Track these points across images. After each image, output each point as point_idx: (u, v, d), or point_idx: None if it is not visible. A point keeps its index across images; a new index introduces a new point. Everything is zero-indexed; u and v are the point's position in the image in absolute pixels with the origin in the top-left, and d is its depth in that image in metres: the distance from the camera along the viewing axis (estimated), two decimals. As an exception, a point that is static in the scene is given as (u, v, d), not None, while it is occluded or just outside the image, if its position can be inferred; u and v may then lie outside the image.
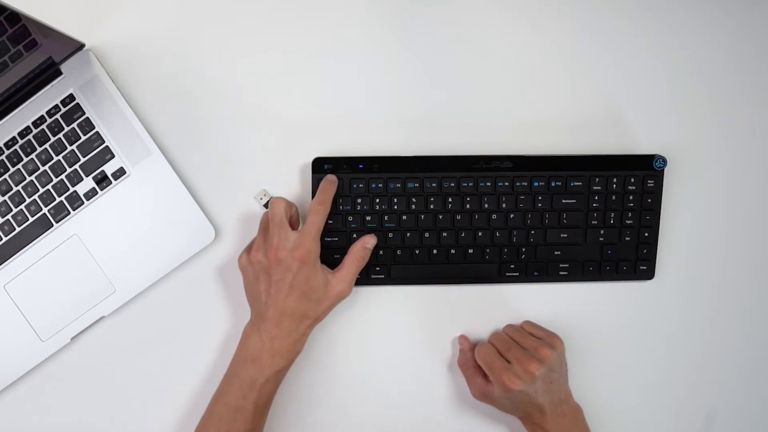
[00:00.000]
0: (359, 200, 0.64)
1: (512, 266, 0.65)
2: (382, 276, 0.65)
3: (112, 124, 0.63)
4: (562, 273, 0.66)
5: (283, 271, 0.58)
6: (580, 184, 0.65)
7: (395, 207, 0.64)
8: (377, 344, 0.67)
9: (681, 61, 0.67)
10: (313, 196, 0.62)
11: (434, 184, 0.64)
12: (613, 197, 0.65)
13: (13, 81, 0.60)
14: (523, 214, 0.65)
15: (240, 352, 0.60)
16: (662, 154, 0.65)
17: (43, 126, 0.62)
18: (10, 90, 0.61)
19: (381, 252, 0.64)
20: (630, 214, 0.65)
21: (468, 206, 0.64)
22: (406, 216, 0.64)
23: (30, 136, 0.62)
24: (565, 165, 0.65)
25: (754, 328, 0.69)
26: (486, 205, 0.65)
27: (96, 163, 0.63)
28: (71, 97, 0.62)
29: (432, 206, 0.64)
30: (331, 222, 0.63)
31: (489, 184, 0.64)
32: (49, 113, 0.62)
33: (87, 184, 0.63)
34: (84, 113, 0.62)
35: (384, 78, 0.66)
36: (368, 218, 0.64)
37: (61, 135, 0.62)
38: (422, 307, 0.67)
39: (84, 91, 0.62)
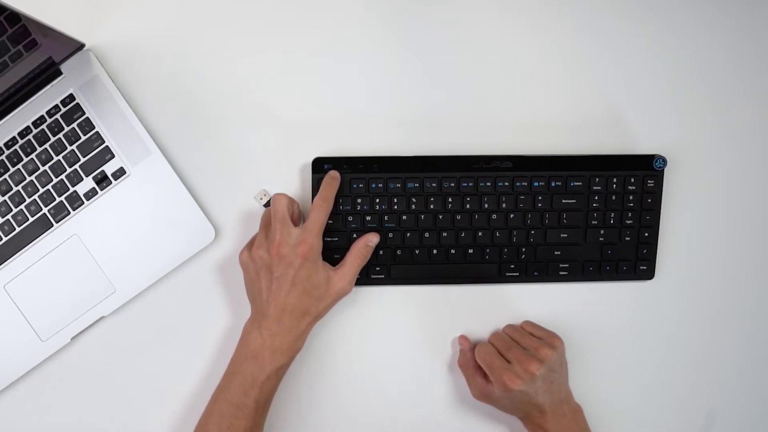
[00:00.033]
0: (359, 200, 0.64)
1: (512, 266, 0.65)
2: (382, 276, 0.65)
3: (112, 124, 0.63)
4: (562, 273, 0.66)
5: (284, 268, 0.58)
6: (580, 184, 0.65)
7: (395, 207, 0.64)
8: (377, 344, 0.67)
9: (681, 61, 0.67)
10: (313, 196, 0.62)
11: (434, 184, 0.64)
12: (613, 197, 0.65)
13: (13, 81, 0.60)
14: (523, 214, 0.65)
15: (240, 349, 0.60)
16: (662, 154, 0.65)
17: (43, 126, 0.62)
18: (10, 90, 0.61)
19: (381, 252, 0.64)
20: (630, 214, 0.65)
21: (468, 206, 0.64)
22: (406, 216, 0.64)
23: (30, 136, 0.62)
24: (565, 165, 0.65)
25: (754, 328, 0.69)
26: (486, 205, 0.65)
27: (96, 163, 0.63)
28: (71, 97, 0.62)
29: (432, 206, 0.64)
30: (331, 222, 0.63)
31: (489, 184, 0.64)
32: (49, 113, 0.62)
33: (87, 184, 0.63)
34: (84, 113, 0.62)
35: (384, 78, 0.66)
36: (368, 218, 0.64)
37: (61, 135, 0.62)
38: (422, 307, 0.67)
39: (84, 91, 0.62)
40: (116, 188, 0.63)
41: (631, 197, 0.65)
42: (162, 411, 0.65)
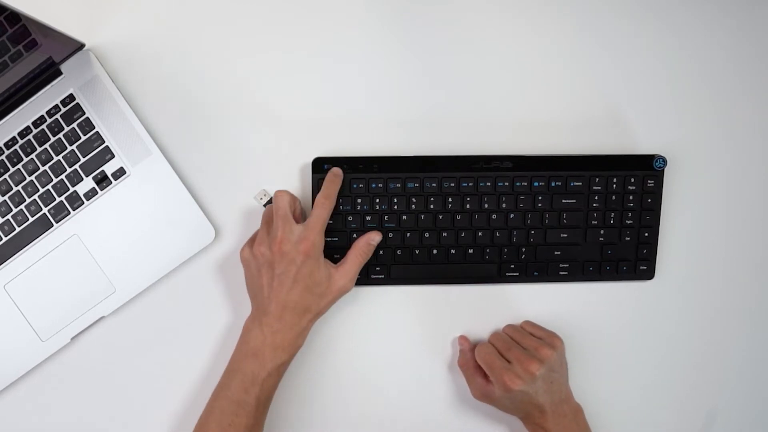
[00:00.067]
0: (359, 200, 0.64)
1: (512, 266, 0.65)
2: (382, 276, 0.65)
3: (112, 124, 0.63)
4: (562, 273, 0.66)
5: (286, 265, 0.57)
6: (580, 184, 0.65)
7: (395, 207, 0.64)
8: (377, 344, 0.67)
9: (681, 61, 0.67)
10: (313, 197, 0.62)
11: (434, 184, 0.64)
12: (613, 197, 0.65)
13: (13, 81, 0.60)
14: (523, 214, 0.65)
15: (241, 346, 0.59)
16: (662, 154, 0.65)
17: (43, 126, 0.62)
18: (10, 90, 0.61)
19: (381, 252, 0.64)
20: (630, 214, 0.65)
21: (468, 206, 0.64)
22: (406, 216, 0.64)
23: (30, 136, 0.62)
24: (565, 165, 0.65)
25: (754, 328, 0.69)
26: (486, 205, 0.65)
27: (96, 163, 0.63)
28: (71, 97, 0.62)
29: (432, 206, 0.64)
30: (331, 222, 0.63)
31: (489, 184, 0.64)
32: (49, 113, 0.62)
33: (87, 184, 0.63)
34: (84, 113, 0.62)
35: (384, 78, 0.66)
36: (368, 218, 0.64)
37: (61, 135, 0.62)
38: (422, 307, 0.67)
39: (84, 91, 0.62)
40: (116, 188, 0.63)
41: (631, 197, 0.65)
42: (162, 411, 0.65)
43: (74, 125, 0.62)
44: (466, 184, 0.64)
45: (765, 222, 0.69)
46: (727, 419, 0.69)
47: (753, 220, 0.68)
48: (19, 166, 0.62)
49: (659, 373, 0.68)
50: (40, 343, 0.63)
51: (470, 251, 0.65)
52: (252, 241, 0.61)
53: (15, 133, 0.62)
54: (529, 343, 0.62)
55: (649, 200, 0.65)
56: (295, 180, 0.65)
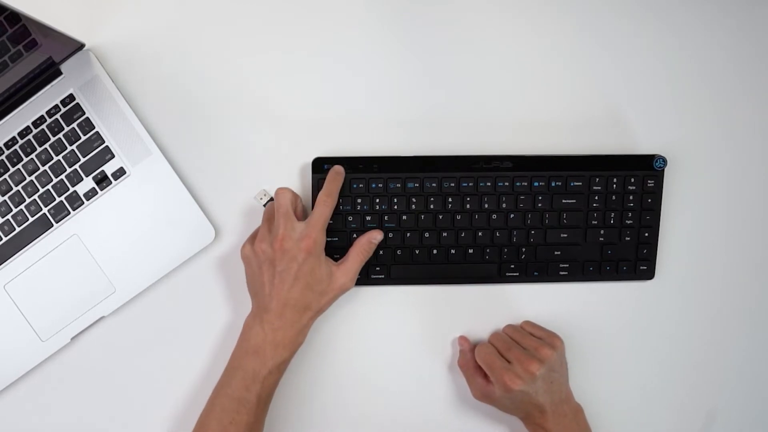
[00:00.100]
0: (359, 200, 0.64)
1: (512, 266, 0.65)
2: (382, 276, 0.65)
3: (112, 124, 0.63)
4: (562, 273, 0.66)
5: (288, 262, 0.57)
6: (580, 184, 0.65)
7: (395, 207, 0.64)
8: (377, 344, 0.67)
9: (681, 61, 0.67)
10: (313, 196, 0.62)
11: (434, 184, 0.64)
12: (613, 197, 0.65)
13: (13, 81, 0.60)
14: (523, 214, 0.65)
15: (242, 344, 0.59)
16: (662, 154, 0.65)
17: (43, 126, 0.62)
18: (10, 90, 0.61)
19: (381, 252, 0.64)
20: (630, 214, 0.65)
21: (468, 206, 0.64)
22: (406, 216, 0.64)
23: (30, 136, 0.62)
24: (565, 165, 0.65)
25: (754, 328, 0.69)
26: (486, 205, 0.65)
27: (96, 163, 0.63)
28: (71, 97, 0.62)
29: (432, 206, 0.64)
30: (331, 222, 0.63)
31: (489, 184, 0.64)
32: (49, 113, 0.62)
33: (87, 184, 0.63)
34: (84, 113, 0.62)
35: (384, 78, 0.66)
36: (368, 218, 0.64)
37: (61, 135, 0.62)
38: (422, 307, 0.67)
39: (84, 91, 0.62)
40: (116, 188, 0.63)
41: (631, 197, 0.65)
42: (162, 411, 0.65)
43: (74, 125, 0.62)
44: (466, 184, 0.64)
45: (765, 222, 0.69)
46: (727, 419, 0.69)
47: (753, 220, 0.68)
48: (19, 166, 0.62)
49: (659, 373, 0.68)
50: (40, 343, 0.63)
51: (470, 251, 0.65)
52: (253, 238, 0.61)
53: (15, 133, 0.62)
54: (529, 343, 0.62)
55: (649, 200, 0.65)
56: (295, 180, 0.65)
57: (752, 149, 0.68)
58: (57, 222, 0.63)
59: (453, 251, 0.65)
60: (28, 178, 0.62)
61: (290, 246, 0.57)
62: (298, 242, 0.58)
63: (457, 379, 0.67)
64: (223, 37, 0.65)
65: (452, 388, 0.67)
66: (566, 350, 0.64)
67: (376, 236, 0.63)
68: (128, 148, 0.63)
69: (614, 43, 0.67)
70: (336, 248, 0.63)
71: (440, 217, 0.64)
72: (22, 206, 0.63)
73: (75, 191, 0.63)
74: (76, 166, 0.63)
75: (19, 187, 0.63)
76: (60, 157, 0.62)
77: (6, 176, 0.63)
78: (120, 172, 0.63)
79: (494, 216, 0.65)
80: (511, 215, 0.65)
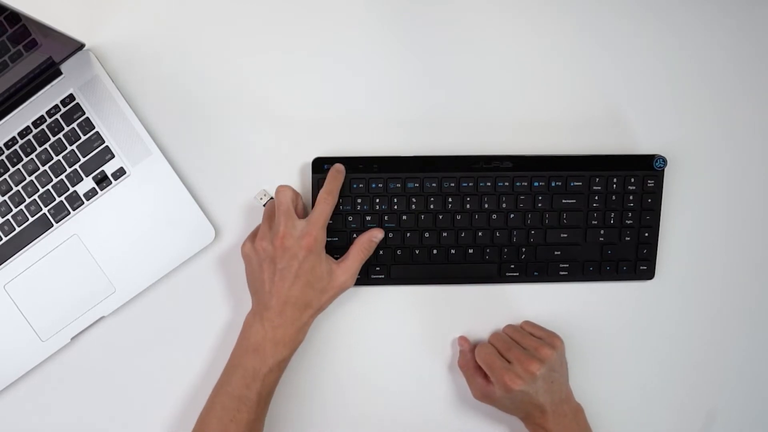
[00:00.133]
0: (359, 200, 0.64)
1: (512, 266, 0.65)
2: (382, 276, 0.65)
3: (112, 124, 0.63)
4: (562, 273, 0.66)
5: (288, 260, 0.57)
6: (580, 184, 0.65)
7: (395, 207, 0.64)
8: (377, 344, 0.67)
9: (681, 61, 0.67)
10: (313, 196, 0.62)
11: (434, 184, 0.64)
12: (613, 197, 0.65)
13: (13, 81, 0.60)
14: (523, 214, 0.65)
15: (242, 342, 0.59)
16: (662, 154, 0.65)
17: (43, 126, 0.62)
18: (10, 90, 0.61)
19: (381, 252, 0.64)
20: (630, 214, 0.65)
21: (468, 206, 0.64)
22: (406, 216, 0.64)
23: (30, 136, 0.62)
24: (565, 165, 0.65)
25: (754, 328, 0.69)
26: (486, 205, 0.65)
27: (96, 163, 0.63)
28: (71, 97, 0.62)
29: (432, 206, 0.64)
30: (331, 222, 0.63)
31: (489, 184, 0.64)
32: (49, 113, 0.62)
33: (87, 184, 0.63)
34: (84, 113, 0.62)
35: (384, 78, 0.66)
36: (368, 218, 0.64)
37: (61, 135, 0.62)
38: (422, 307, 0.67)
39: (84, 91, 0.62)
40: (116, 188, 0.63)
41: (631, 197, 0.65)
42: (162, 411, 0.65)
43: (74, 125, 0.62)
44: (466, 184, 0.64)
45: (765, 222, 0.69)
46: (727, 419, 0.69)
47: (753, 220, 0.68)
48: (19, 166, 0.62)
49: (659, 373, 0.68)
50: (40, 343, 0.63)
51: (470, 251, 0.65)
52: (253, 236, 0.61)
53: (15, 133, 0.62)
54: (529, 343, 0.62)
55: (649, 200, 0.65)
56: (295, 180, 0.65)
57: (752, 149, 0.68)
58: (57, 222, 0.63)
59: (453, 251, 0.65)
60: (28, 178, 0.62)
61: (291, 244, 0.57)
62: (298, 240, 0.58)
63: (457, 379, 0.67)
64: (223, 37, 0.65)
65: (452, 388, 0.67)
66: (566, 350, 0.64)
67: (376, 235, 0.63)
68: (128, 148, 0.63)
69: (614, 43, 0.67)
70: (336, 248, 0.63)
71: (440, 217, 0.64)
72: (22, 206, 0.63)
73: (75, 191, 0.63)
74: (76, 166, 0.63)
75: (19, 187, 0.63)
76: (60, 157, 0.62)
77: (6, 176, 0.63)
78: (120, 172, 0.63)
79: (494, 216, 0.65)
80: (511, 215, 0.65)
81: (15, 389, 0.65)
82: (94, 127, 0.62)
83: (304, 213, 0.63)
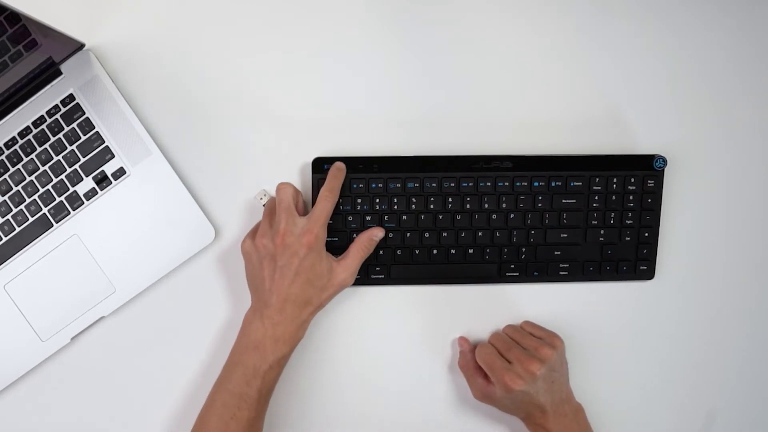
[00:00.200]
0: (359, 200, 0.64)
1: (512, 266, 0.65)
2: (382, 276, 0.65)
3: (112, 124, 0.63)
4: (562, 273, 0.66)
5: (289, 257, 0.57)
6: (580, 184, 0.65)
7: (395, 207, 0.64)
8: (377, 344, 0.67)
9: (681, 61, 0.67)
10: (313, 196, 0.62)
11: (434, 184, 0.64)
12: (613, 197, 0.65)
13: (13, 81, 0.60)
14: (523, 214, 0.65)
15: (242, 339, 0.59)
16: (662, 154, 0.65)
17: (43, 126, 0.62)
18: (10, 90, 0.61)
19: (381, 252, 0.64)
20: (630, 214, 0.65)
21: (468, 206, 0.64)
22: (406, 216, 0.64)
23: (30, 136, 0.62)
24: (565, 165, 0.65)
25: (754, 328, 0.69)
26: (486, 205, 0.65)
27: (96, 163, 0.63)
28: (71, 97, 0.62)
29: (432, 206, 0.64)
30: (331, 222, 0.63)
31: (489, 184, 0.64)
32: (49, 113, 0.62)
33: (87, 184, 0.63)
34: (84, 113, 0.62)
35: (384, 78, 0.66)
36: (368, 218, 0.64)
37: (61, 135, 0.62)
38: (422, 307, 0.67)
39: (84, 91, 0.62)
40: (116, 188, 0.63)
41: (631, 197, 0.65)
42: (162, 411, 0.65)
43: (74, 125, 0.62)
44: (466, 184, 0.64)
45: (765, 222, 0.69)
46: (727, 419, 0.69)
47: (753, 220, 0.68)
48: (19, 166, 0.62)
49: (659, 373, 0.68)
50: (40, 343, 0.63)
51: (470, 251, 0.65)
52: (253, 233, 0.61)
53: (15, 133, 0.62)
54: (529, 343, 0.62)
55: (649, 200, 0.65)
56: (295, 180, 0.65)
57: (752, 149, 0.68)
58: (57, 222, 0.63)
59: (453, 251, 0.65)
60: (28, 178, 0.62)
61: (292, 241, 0.57)
62: (299, 237, 0.58)
63: (457, 380, 0.67)
64: (223, 37, 0.65)
65: (452, 388, 0.67)
66: (566, 350, 0.64)
67: (377, 233, 0.63)
68: (128, 148, 0.63)
69: (614, 43, 0.67)
70: (336, 248, 0.63)
71: (440, 217, 0.64)
72: (22, 206, 0.63)
73: (75, 191, 0.63)
74: (76, 166, 0.63)
75: (19, 187, 0.63)
76: (60, 157, 0.62)
77: (6, 176, 0.63)
78: (120, 172, 0.63)
79: (494, 216, 0.65)
80: (511, 215, 0.65)
81: (15, 389, 0.65)
82: (94, 127, 0.62)
83: (304, 211, 0.63)
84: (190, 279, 0.65)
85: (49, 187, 0.63)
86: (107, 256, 0.63)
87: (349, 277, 0.60)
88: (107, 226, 0.63)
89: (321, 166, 0.63)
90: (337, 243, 0.63)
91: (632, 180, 0.65)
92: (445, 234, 0.65)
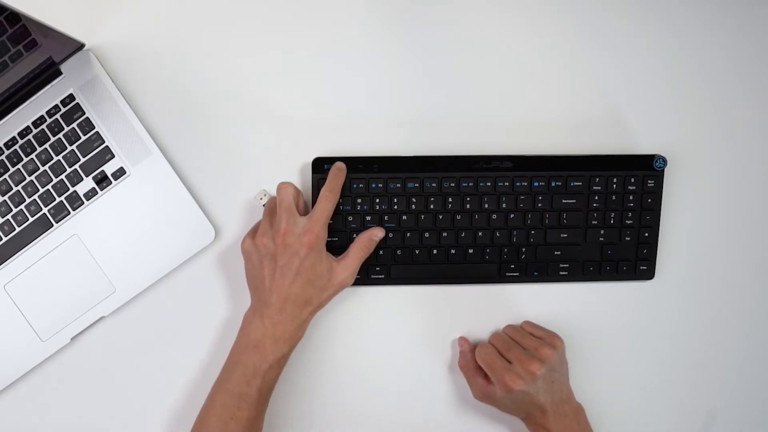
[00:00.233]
0: (359, 200, 0.64)
1: (512, 266, 0.65)
2: (382, 276, 0.65)
3: (112, 124, 0.63)
4: (562, 273, 0.66)
5: (290, 257, 0.57)
6: (580, 184, 0.65)
7: (395, 207, 0.64)
8: (377, 344, 0.67)
9: (681, 61, 0.67)
10: (313, 196, 0.62)
11: (434, 184, 0.64)
12: (613, 197, 0.65)
13: (13, 81, 0.60)
14: (523, 214, 0.65)
15: (241, 339, 0.59)
16: (662, 154, 0.65)
17: (43, 126, 0.62)
18: (10, 90, 0.61)
19: (381, 252, 0.64)
20: (630, 214, 0.65)
21: (468, 206, 0.64)
22: (406, 216, 0.64)
23: (30, 136, 0.62)
24: (565, 165, 0.65)
25: (754, 328, 0.69)
26: (486, 205, 0.65)
27: (96, 163, 0.63)
28: (71, 97, 0.62)
29: (432, 206, 0.64)
30: (331, 222, 0.63)
31: (489, 184, 0.64)
32: (49, 113, 0.62)
33: (87, 184, 0.63)
34: (84, 113, 0.62)
35: (384, 78, 0.66)
36: (368, 218, 0.64)
37: (61, 135, 0.62)
38: (422, 307, 0.67)
39: (84, 91, 0.62)
40: (116, 188, 0.63)
41: (631, 197, 0.65)
42: (162, 411, 0.65)
43: (74, 125, 0.62)
44: (466, 184, 0.64)
45: (765, 222, 0.69)
46: (727, 419, 0.69)
47: (753, 220, 0.68)
48: (19, 166, 0.62)
49: (659, 373, 0.68)
50: (40, 343, 0.63)
51: (470, 251, 0.65)
52: (253, 232, 0.61)
53: (15, 133, 0.62)
54: (529, 343, 0.62)
55: (649, 200, 0.65)
56: (295, 180, 0.65)
57: (752, 149, 0.68)
58: (57, 222, 0.63)
59: (453, 251, 0.65)
60: (28, 178, 0.62)
61: (292, 241, 0.57)
62: (300, 237, 0.58)
63: (457, 380, 0.67)
64: (223, 37, 0.65)
65: (452, 388, 0.67)
66: (566, 350, 0.64)
67: (377, 233, 0.63)
68: (128, 148, 0.63)
69: (614, 43, 0.67)
70: (336, 248, 0.63)
71: (440, 217, 0.64)
72: (22, 206, 0.63)
73: (75, 191, 0.63)
74: (76, 166, 0.63)
75: (19, 187, 0.63)
76: (60, 157, 0.62)
77: (6, 176, 0.63)
78: (120, 172, 0.63)
79: (494, 216, 0.65)
80: (511, 215, 0.65)
81: (15, 389, 0.65)
82: (94, 127, 0.62)
83: (305, 211, 0.63)
84: (190, 279, 0.65)
85: (49, 187, 0.63)
86: (107, 256, 0.63)
87: (349, 277, 0.60)
88: (107, 226, 0.63)
89: (321, 166, 0.63)
90: (337, 243, 0.63)
91: (632, 180, 0.65)
92: (445, 234, 0.65)
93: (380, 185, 0.64)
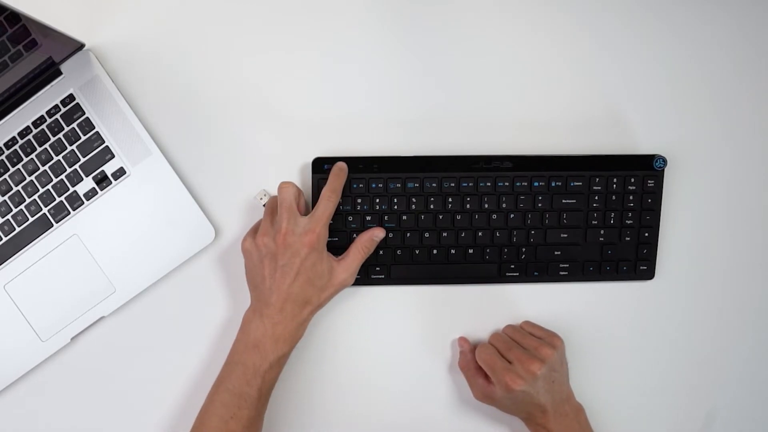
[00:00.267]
0: (359, 200, 0.64)
1: (512, 266, 0.65)
2: (382, 276, 0.65)
3: (112, 124, 0.63)
4: (562, 273, 0.66)
5: (290, 256, 0.57)
6: (580, 184, 0.65)
7: (395, 207, 0.64)
8: (377, 344, 0.67)
9: (681, 61, 0.67)
10: (313, 196, 0.62)
11: (434, 184, 0.64)
12: (613, 197, 0.65)
13: (13, 81, 0.60)
14: (523, 214, 0.65)
15: (241, 338, 0.59)
16: (662, 154, 0.65)
17: (43, 126, 0.62)
18: (10, 90, 0.61)
19: (381, 252, 0.64)
20: (630, 214, 0.65)
21: (468, 206, 0.64)
22: (406, 216, 0.64)
23: (30, 136, 0.62)
24: (565, 165, 0.65)
25: (754, 328, 0.69)
26: (486, 205, 0.65)
27: (96, 163, 0.63)
28: (71, 97, 0.62)
29: (432, 206, 0.64)
30: (331, 222, 0.62)
31: (489, 184, 0.64)
32: (49, 113, 0.62)
33: (87, 184, 0.63)
34: (84, 113, 0.62)
35: (384, 78, 0.66)
36: (368, 218, 0.64)
37: (61, 135, 0.62)
38: (422, 307, 0.67)
39: (84, 91, 0.62)
40: (116, 188, 0.63)
41: (631, 197, 0.65)
42: (162, 411, 0.65)
43: (74, 125, 0.62)
44: (466, 184, 0.64)
45: (765, 222, 0.69)
46: (727, 419, 0.69)
47: (753, 220, 0.68)
48: (19, 166, 0.62)
49: (659, 373, 0.68)
50: (40, 343, 0.63)
51: (470, 251, 0.65)
52: (253, 232, 0.61)
53: (15, 133, 0.62)
54: (529, 343, 0.62)
55: (649, 200, 0.65)
56: (295, 180, 0.65)
57: (752, 149, 0.68)
58: (57, 222, 0.63)
59: (453, 251, 0.65)
60: (28, 178, 0.62)
61: (293, 240, 0.57)
62: (301, 237, 0.58)
63: (457, 380, 0.67)
64: (223, 37, 0.65)
65: (452, 388, 0.67)
66: (566, 350, 0.64)
67: (377, 233, 0.63)
68: (128, 148, 0.63)
69: (614, 43, 0.67)
70: (336, 248, 0.63)
71: (440, 217, 0.64)
72: (22, 206, 0.63)
73: (75, 191, 0.63)
74: (76, 166, 0.63)
75: (19, 187, 0.63)
76: (60, 157, 0.62)
77: (6, 176, 0.63)
78: (120, 172, 0.63)
79: (494, 216, 0.65)
80: (511, 215, 0.65)
81: (15, 389, 0.65)
82: (94, 127, 0.62)
83: (306, 210, 0.63)
84: (190, 279, 0.65)
85: (49, 187, 0.63)
86: (107, 256, 0.63)
87: (349, 277, 0.60)
88: (107, 226, 0.63)
89: (321, 166, 0.63)
90: (337, 243, 0.63)
91: (632, 180, 0.65)
92: (445, 234, 0.65)
93: (380, 185, 0.64)
